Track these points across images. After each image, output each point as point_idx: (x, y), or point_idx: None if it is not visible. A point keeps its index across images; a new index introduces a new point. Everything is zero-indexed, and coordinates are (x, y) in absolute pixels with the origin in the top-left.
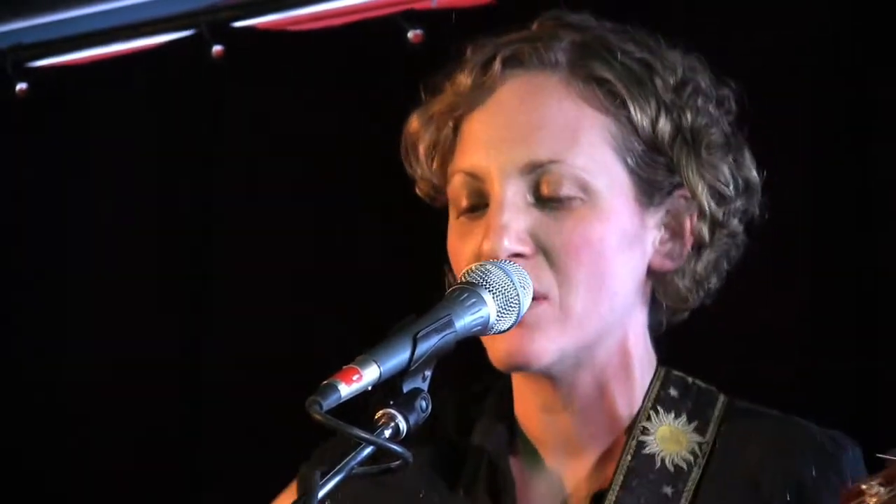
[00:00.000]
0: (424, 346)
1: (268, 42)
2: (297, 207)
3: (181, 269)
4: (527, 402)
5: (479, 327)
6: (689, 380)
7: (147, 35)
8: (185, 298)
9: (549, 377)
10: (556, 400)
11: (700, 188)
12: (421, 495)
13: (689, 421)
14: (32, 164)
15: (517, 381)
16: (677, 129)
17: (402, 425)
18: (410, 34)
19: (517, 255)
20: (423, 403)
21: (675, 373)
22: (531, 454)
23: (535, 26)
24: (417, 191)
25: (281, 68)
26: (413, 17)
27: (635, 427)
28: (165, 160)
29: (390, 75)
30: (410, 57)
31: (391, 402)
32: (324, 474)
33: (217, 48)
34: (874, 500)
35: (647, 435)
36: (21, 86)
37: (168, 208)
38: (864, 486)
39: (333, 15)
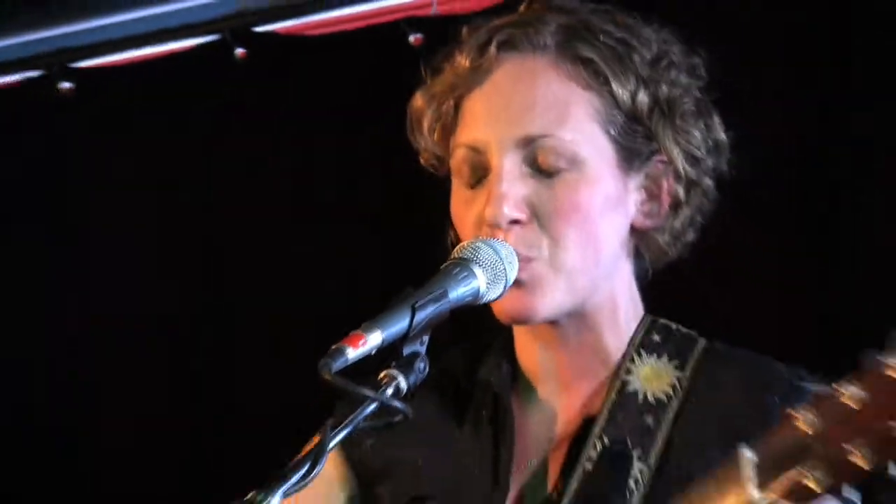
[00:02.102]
0: (422, 315)
1: (289, 45)
2: (314, 194)
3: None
4: (526, 342)
5: (471, 297)
6: (673, 326)
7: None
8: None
9: (546, 323)
10: (552, 340)
11: (676, 153)
12: (433, 435)
13: (670, 360)
14: (72, 159)
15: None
16: (654, 101)
17: (403, 384)
18: (411, 38)
19: (515, 220)
20: (422, 365)
21: (661, 320)
22: (528, 389)
23: (523, 8)
24: (422, 161)
25: (301, 69)
26: (414, 23)
27: (621, 368)
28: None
29: (393, 74)
30: (412, 58)
31: (393, 364)
32: (333, 427)
33: (240, 51)
34: (847, 398)
35: (631, 375)
36: (65, 85)
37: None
38: (837, 387)
39: (344, 21)
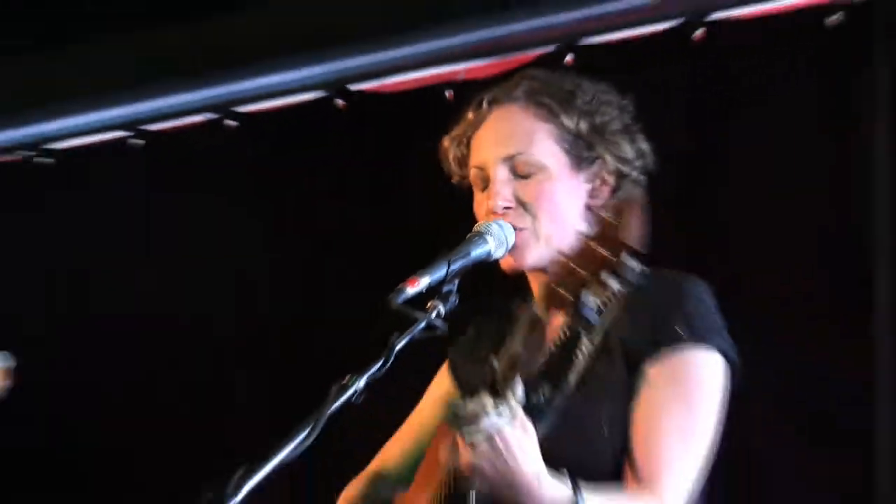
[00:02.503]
0: (454, 267)
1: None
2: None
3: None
4: (532, 280)
5: (485, 255)
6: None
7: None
8: None
9: (536, 269)
10: (541, 278)
11: (608, 157)
12: (479, 340)
13: (614, 280)
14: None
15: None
16: (591, 125)
17: (441, 310)
18: (447, 93)
19: (507, 207)
20: (454, 299)
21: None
22: (534, 308)
23: (508, 78)
24: (452, 181)
25: (378, 119)
26: (448, 85)
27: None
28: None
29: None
30: (445, 109)
31: (435, 298)
32: (397, 337)
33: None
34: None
35: (582, 297)
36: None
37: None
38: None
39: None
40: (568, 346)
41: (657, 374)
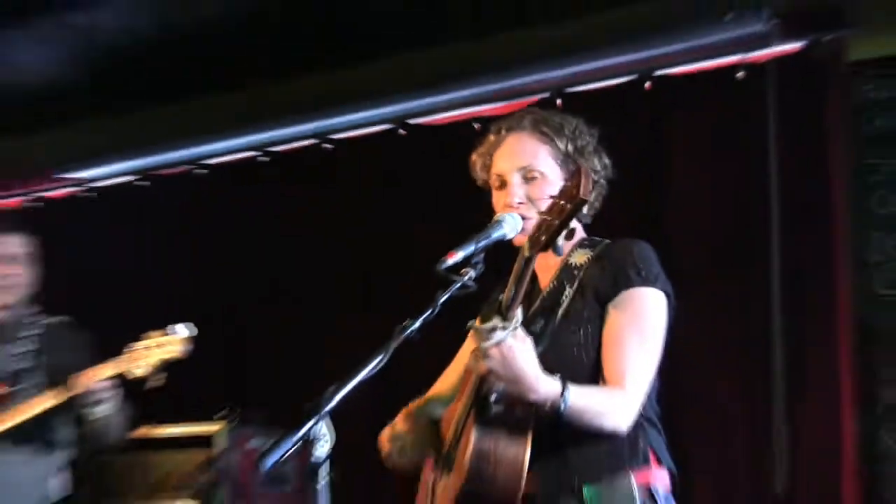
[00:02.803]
0: (480, 244)
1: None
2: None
3: None
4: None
5: (501, 237)
6: (595, 238)
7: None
8: None
9: None
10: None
11: (586, 167)
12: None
13: (586, 249)
14: None
15: None
16: (574, 146)
17: (472, 274)
18: (476, 126)
19: (520, 203)
20: (480, 266)
21: (589, 238)
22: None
23: (519, 113)
24: (478, 183)
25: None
26: (477, 119)
27: (569, 256)
28: None
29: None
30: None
31: (468, 266)
32: (442, 294)
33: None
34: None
35: (571, 258)
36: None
37: None
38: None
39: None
40: (556, 292)
41: (618, 307)
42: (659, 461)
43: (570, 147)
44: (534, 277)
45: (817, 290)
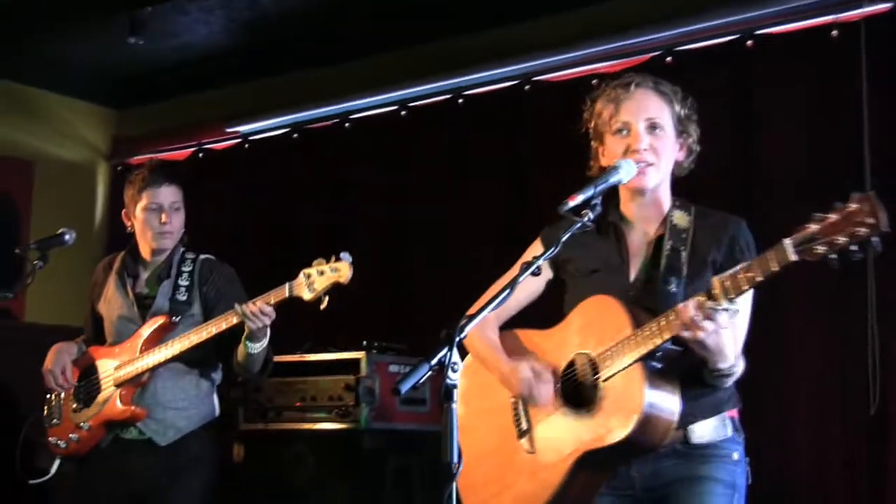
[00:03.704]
0: (598, 188)
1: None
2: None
3: None
4: (628, 202)
5: (617, 181)
6: (683, 200)
7: None
8: None
9: (640, 192)
10: (642, 199)
11: (690, 131)
12: (591, 244)
13: (684, 212)
14: None
15: (623, 194)
16: (685, 113)
17: (591, 215)
18: (593, 82)
19: (645, 149)
20: (599, 208)
21: (679, 199)
22: (627, 223)
23: (638, 74)
24: (587, 127)
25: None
26: (594, 76)
27: (668, 216)
28: None
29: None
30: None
31: (587, 208)
32: (564, 232)
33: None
34: (813, 226)
35: (672, 217)
36: None
37: None
38: (808, 225)
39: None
40: (672, 252)
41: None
42: (738, 400)
43: (682, 112)
44: (627, 222)
45: None
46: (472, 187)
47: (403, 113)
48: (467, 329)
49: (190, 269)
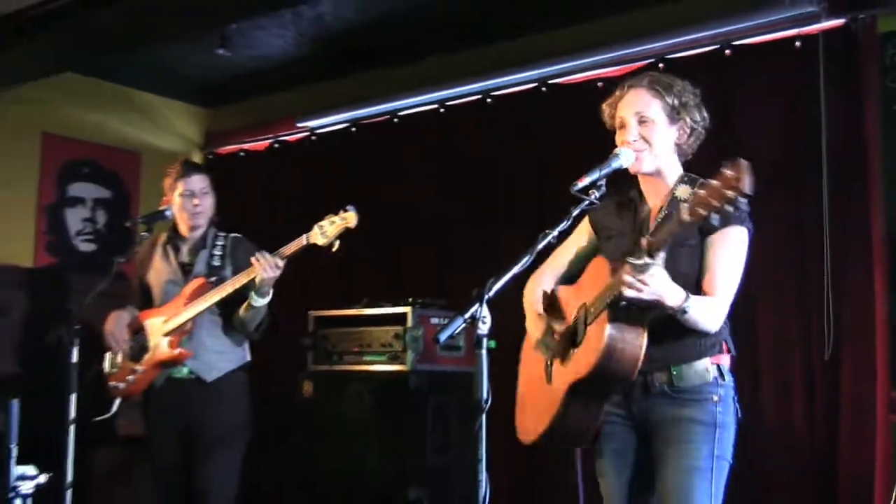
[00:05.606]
0: (604, 172)
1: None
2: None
3: None
4: (642, 181)
5: (619, 166)
6: (692, 175)
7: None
8: None
9: (647, 173)
10: (649, 179)
11: (687, 118)
12: (614, 215)
13: (688, 185)
14: None
15: (637, 175)
16: (680, 102)
17: (597, 194)
18: (599, 84)
19: (635, 140)
20: (604, 189)
21: (687, 174)
22: (641, 198)
23: (639, 75)
24: (607, 125)
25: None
26: (601, 79)
27: (672, 189)
28: None
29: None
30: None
31: (593, 189)
32: (576, 207)
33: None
34: (700, 192)
35: (676, 191)
36: None
37: None
38: (697, 191)
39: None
40: (666, 220)
41: (717, 240)
42: (728, 349)
43: (675, 102)
44: (643, 198)
45: (854, 209)
46: (501, 169)
47: (442, 110)
48: (493, 288)
49: (222, 243)
